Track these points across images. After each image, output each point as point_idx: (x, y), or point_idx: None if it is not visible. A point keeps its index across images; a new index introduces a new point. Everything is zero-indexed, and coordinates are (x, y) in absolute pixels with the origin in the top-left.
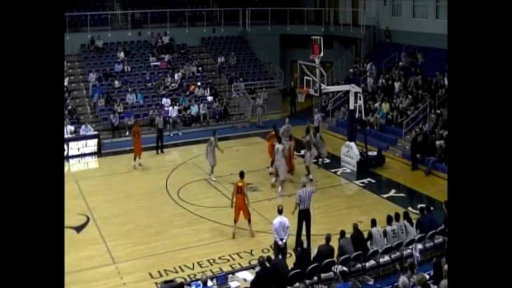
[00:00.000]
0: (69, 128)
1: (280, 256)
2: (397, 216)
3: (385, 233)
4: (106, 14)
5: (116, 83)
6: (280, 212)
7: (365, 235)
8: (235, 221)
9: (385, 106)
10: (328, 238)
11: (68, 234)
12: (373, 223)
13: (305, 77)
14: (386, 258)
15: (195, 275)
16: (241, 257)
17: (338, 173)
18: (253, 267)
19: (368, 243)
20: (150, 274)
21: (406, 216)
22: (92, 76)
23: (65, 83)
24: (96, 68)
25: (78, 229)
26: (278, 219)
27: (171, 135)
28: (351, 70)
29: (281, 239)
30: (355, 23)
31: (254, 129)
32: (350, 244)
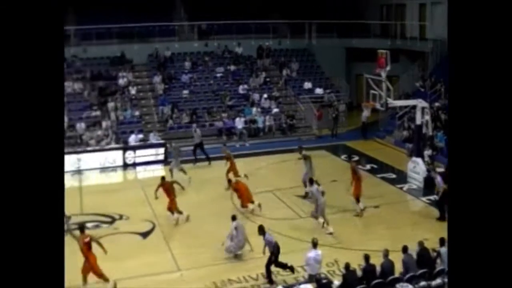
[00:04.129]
0: (137, 136)
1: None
2: None
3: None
4: (173, 25)
5: (183, 93)
6: (315, 245)
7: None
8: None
9: None
10: (386, 254)
11: (135, 240)
12: (442, 242)
13: (371, 91)
14: None
15: (259, 286)
16: (305, 270)
17: (404, 189)
18: (318, 280)
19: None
20: (214, 283)
21: None
22: (159, 86)
23: (133, 92)
24: (163, 78)
25: (144, 235)
26: (313, 254)
27: (237, 146)
28: (417, 84)
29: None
30: (422, 37)
31: (320, 142)
32: (412, 260)
